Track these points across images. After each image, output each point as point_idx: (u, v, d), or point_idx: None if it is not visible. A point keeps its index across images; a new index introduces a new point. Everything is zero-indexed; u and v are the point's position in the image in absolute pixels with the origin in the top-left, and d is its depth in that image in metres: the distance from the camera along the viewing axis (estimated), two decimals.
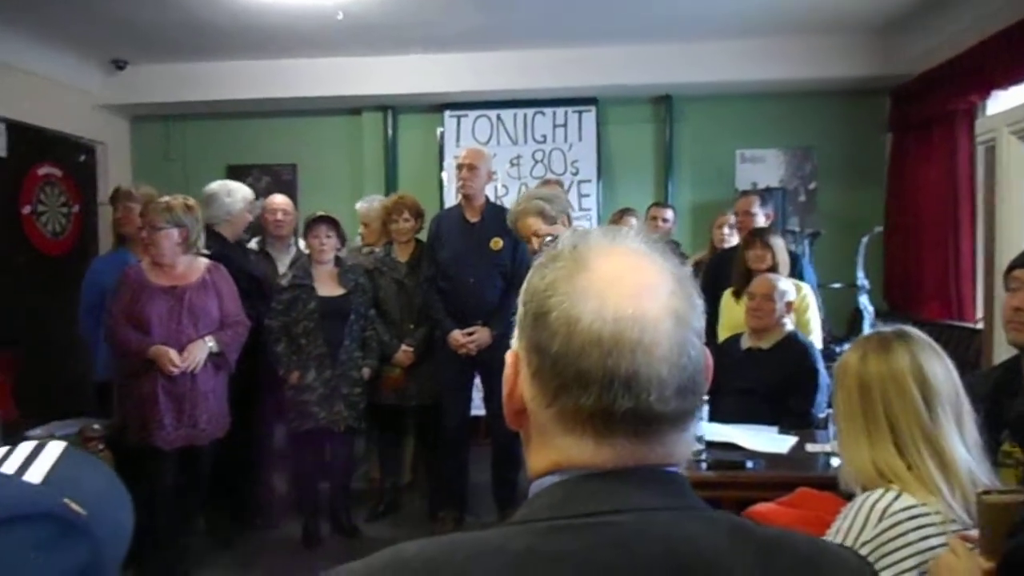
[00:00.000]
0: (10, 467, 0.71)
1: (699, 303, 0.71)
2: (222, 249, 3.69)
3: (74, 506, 0.63)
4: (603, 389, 0.65)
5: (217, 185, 3.93)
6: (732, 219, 4.40)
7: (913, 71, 4.80)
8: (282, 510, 4.00)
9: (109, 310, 3.12)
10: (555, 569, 0.62)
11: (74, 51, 5.05)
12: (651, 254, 0.70)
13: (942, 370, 1.51)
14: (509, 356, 0.73)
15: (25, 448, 0.74)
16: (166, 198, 3.23)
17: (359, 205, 4.47)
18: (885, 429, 1.48)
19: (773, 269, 3.45)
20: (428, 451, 4.24)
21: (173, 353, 3.09)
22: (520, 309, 0.71)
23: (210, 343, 3.19)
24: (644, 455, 0.67)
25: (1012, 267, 1.99)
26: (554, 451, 0.69)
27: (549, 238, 2.99)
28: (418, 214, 4.06)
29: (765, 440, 2.72)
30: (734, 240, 4.38)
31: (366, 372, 3.82)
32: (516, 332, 0.72)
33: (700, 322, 0.70)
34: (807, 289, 3.70)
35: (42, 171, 5.15)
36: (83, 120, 5.45)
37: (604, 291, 0.66)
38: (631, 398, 0.65)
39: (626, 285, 0.66)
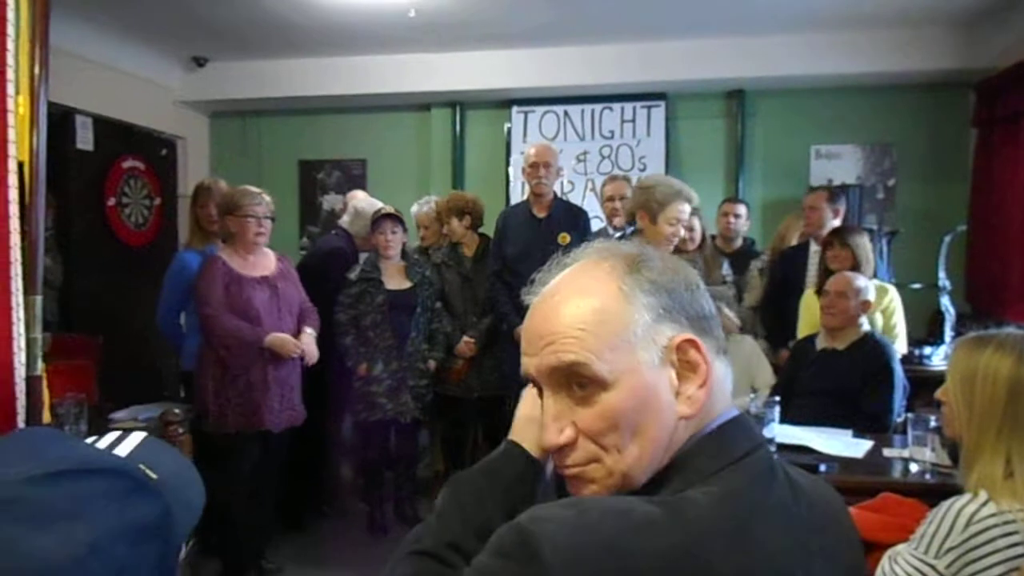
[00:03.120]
0: (100, 445, 0.77)
1: None
2: (349, 254, 4.01)
3: (148, 471, 0.69)
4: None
5: (364, 202, 4.17)
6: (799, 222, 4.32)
7: (999, 64, 4.59)
8: (350, 498, 4.09)
9: (206, 301, 3.16)
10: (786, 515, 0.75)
11: (157, 49, 5.26)
12: None
13: None
14: (692, 349, 0.78)
15: (113, 435, 0.80)
16: (256, 190, 3.34)
17: (414, 209, 4.48)
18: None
19: (855, 268, 3.34)
20: (493, 443, 4.27)
21: (294, 341, 3.25)
22: (658, 301, 0.77)
23: (310, 331, 3.35)
24: None
25: None
26: (725, 392, 0.81)
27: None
28: (464, 212, 4.08)
29: (839, 444, 2.65)
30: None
31: (432, 364, 3.87)
32: (665, 329, 0.77)
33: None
34: (893, 292, 3.58)
35: (126, 164, 5.37)
36: (165, 115, 5.67)
37: (689, 268, 0.85)
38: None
39: None
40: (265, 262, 3.33)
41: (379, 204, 4.13)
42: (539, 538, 0.64)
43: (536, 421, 0.88)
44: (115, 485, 0.63)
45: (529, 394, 0.93)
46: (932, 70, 4.89)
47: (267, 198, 3.32)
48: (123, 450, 0.77)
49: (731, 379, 0.83)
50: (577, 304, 0.77)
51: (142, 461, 0.73)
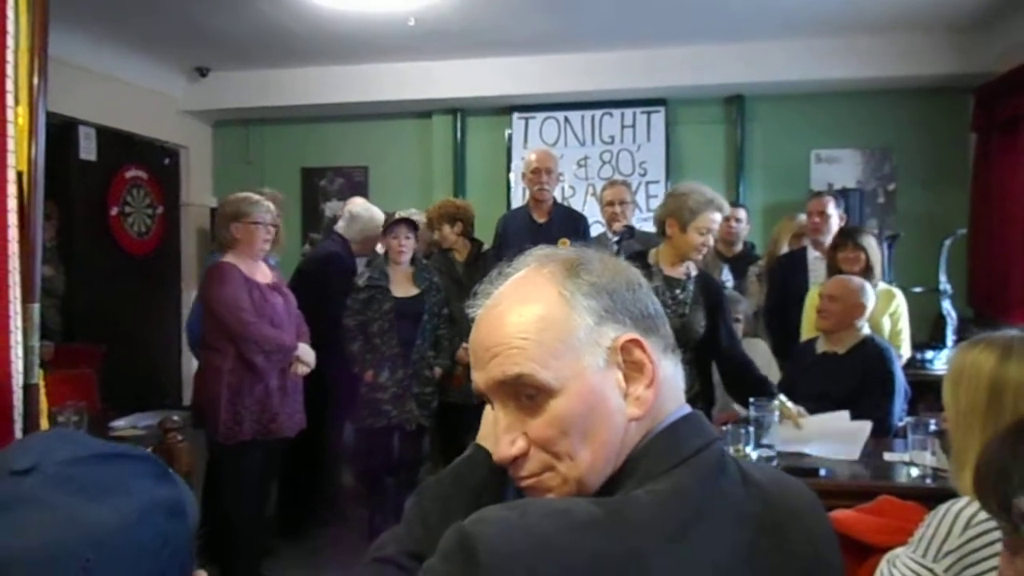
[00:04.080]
0: None
1: None
2: (346, 260, 3.97)
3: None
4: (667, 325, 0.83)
5: (361, 208, 4.13)
6: (802, 221, 4.30)
7: (998, 69, 4.60)
8: (351, 504, 4.09)
9: (241, 307, 3.09)
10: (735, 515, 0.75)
11: (160, 59, 5.30)
12: None
13: None
14: (637, 348, 0.77)
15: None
16: (259, 197, 3.32)
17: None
18: None
19: (867, 271, 3.33)
20: None
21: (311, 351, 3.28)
22: (599, 303, 0.77)
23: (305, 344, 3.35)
24: None
25: None
26: (676, 390, 0.81)
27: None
28: (455, 219, 4.09)
29: (836, 432, 2.64)
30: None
31: (437, 371, 3.87)
32: (609, 331, 0.77)
33: None
34: (900, 296, 3.56)
35: (129, 174, 5.41)
36: (168, 125, 5.70)
37: (630, 267, 0.85)
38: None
39: None
40: (264, 270, 3.31)
41: (376, 209, 4.13)
42: (477, 539, 0.65)
43: None
44: (149, 467, 0.70)
45: None
46: (931, 75, 4.90)
47: (271, 205, 3.31)
48: None
49: (682, 376, 0.82)
50: (519, 313, 0.77)
51: None
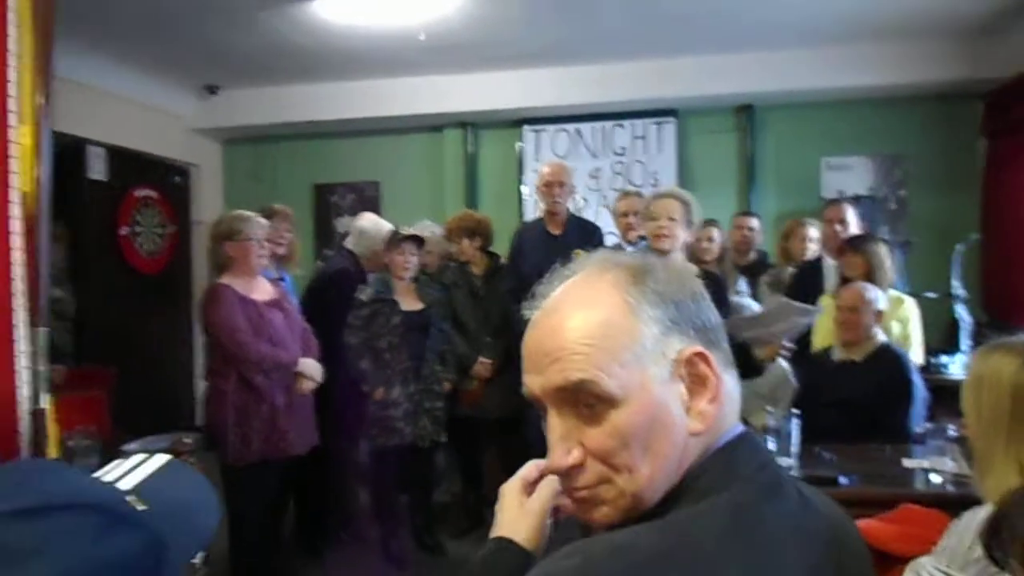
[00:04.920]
0: (112, 475, 0.76)
1: None
2: (355, 275, 3.93)
3: (135, 504, 0.67)
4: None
5: (369, 222, 4.13)
6: (810, 230, 4.26)
7: (1007, 75, 4.58)
8: (367, 523, 4.05)
9: (236, 328, 3.07)
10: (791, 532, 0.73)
11: (169, 78, 5.33)
12: None
13: None
14: (702, 362, 0.75)
15: (134, 459, 0.80)
16: (251, 214, 3.32)
17: None
18: None
19: (869, 276, 3.31)
20: (510, 465, 4.23)
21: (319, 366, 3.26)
22: (666, 313, 0.75)
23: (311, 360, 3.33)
24: None
25: None
26: (734, 406, 0.79)
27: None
28: (474, 233, 4.08)
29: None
30: (813, 249, 4.23)
31: (447, 385, 3.85)
32: (675, 342, 0.75)
33: None
34: (910, 301, 3.53)
35: (139, 193, 5.44)
36: (178, 144, 5.74)
37: (694, 277, 0.84)
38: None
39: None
40: (265, 286, 3.29)
41: (385, 224, 4.12)
42: None
43: (528, 514, 0.88)
44: (87, 521, 0.62)
45: (511, 489, 0.92)
46: (941, 81, 4.88)
47: (264, 221, 3.30)
48: (134, 478, 0.77)
49: (739, 393, 0.80)
50: (583, 318, 0.74)
51: (143, 490, 0.73)
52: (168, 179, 5.76)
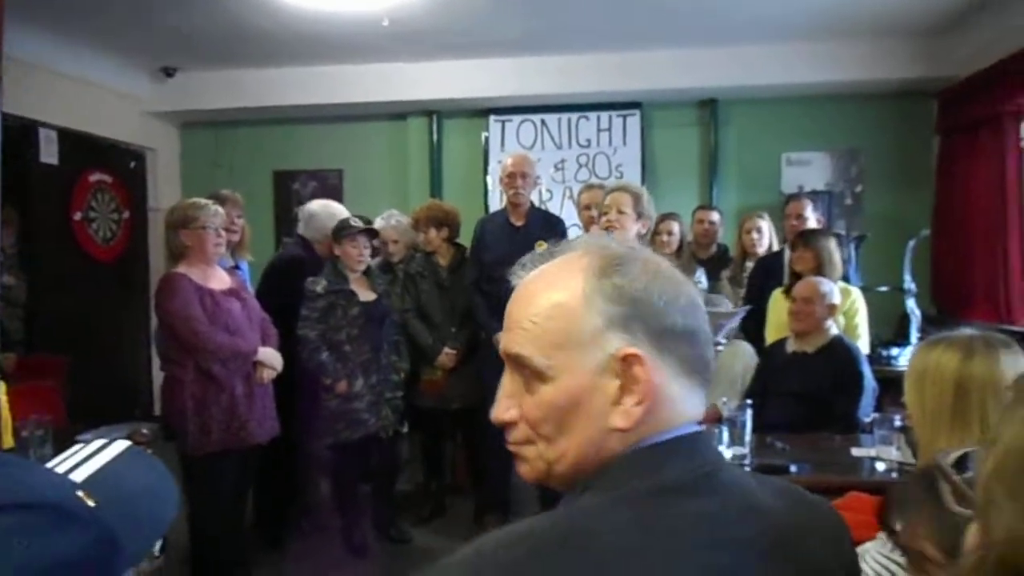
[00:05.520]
0: (66, 464, 0.75)
1: None
2: (308, 263, 3.85)
3: (85, 499, 0.66)
4: (706, 344, 0.80)
5: (318, 205, 4.07)
6: (760, 223, 4.37)
7: (960, 73, 4.72)
8: (329, 513, 4.04)
9: (193, 317, 3.03)
10: (696, 528, 0.72)
11: (125, 59, 5.20)
12: None
13: None
14: (636, 364, 0.76)
15: (91, 447, 0.79)
16: (207, 202, 3.26)
17: (378, 223, 4.26)
18: (976, 430, 1.47)
19: (819, 270, 3.39)
20: (474, 454, 4.25)
21: (278, 355, 3.23)
22: (617, 309, 0.76)
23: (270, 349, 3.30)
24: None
25: None
26: (672, 413, 0.78)
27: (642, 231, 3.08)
28: (442, 224, 4.08)
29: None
30: (764, 244, 4.34)
31: (402, 374, 3.86)
32: (614, 339, 0.76)
33: None
34: (857, 294, 3.64)
35: (93, 178, 5.30)
36: (133, 127, 5.60)
37: (678, 278, 0.82)
38: (710, 350, 0.81)
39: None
40: (221, 275, 3.24)
41: (336, 208, 4.04)
42: None
43: None
44: (27, 520, 0.60)
45: None
46: (897, 79, 5.00)
47: (220, 209, 3.25)
48: (88, 468, 0.76)
49: (699, 400, 0.81)
50: (543, 296, 0.79)
51: (96, 482, 0.72)
52: (123, 163, 5.62)
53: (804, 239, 3.59)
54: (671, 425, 0.78)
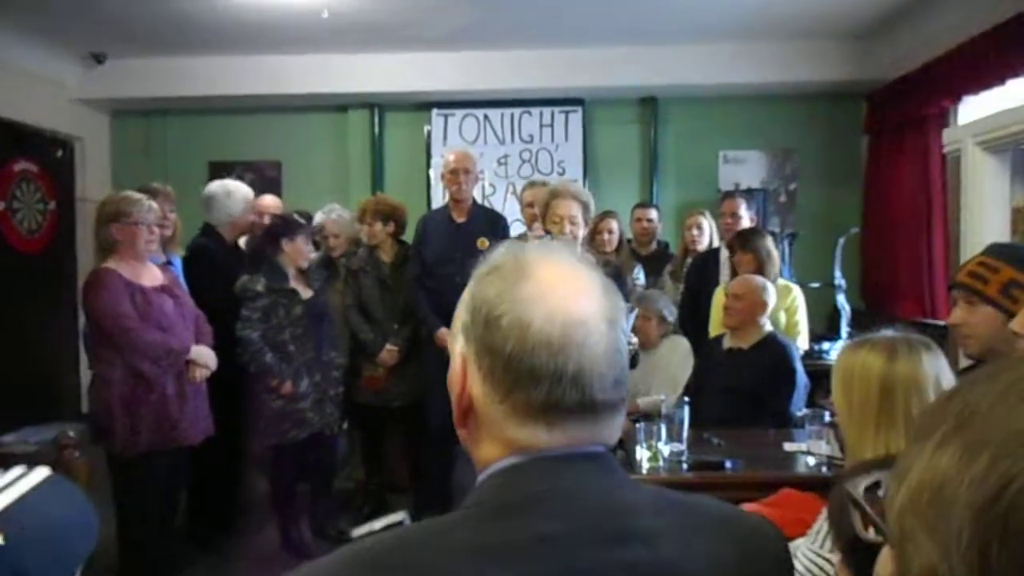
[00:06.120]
0: None
1: (623, 306, 0.81)
2: (217, 252, 3.73)
3: None
4: (553, 384, 0.73)
5: (217, 186, 3.91)
6: (701, 220, 4.47)
7: (888, 76, 4.90)
8: (265, 513, 3.97)
9: (122, 314, 2.94)
10: (504, 555, 0.69)
11: (52, 44, 4.98)
12: (581, 265, 0.80)
13: (952, 383, 1.55)
14: (457, 359, 0.79)
15: (11, 475, 0.77)
16: (140, 196, 3.15)
17: (318, 217, 4.22)
18: (901, 428, 1.53)
19: (760, 270, 3.48)
20: (414, 451, 4.23)
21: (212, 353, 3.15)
22: (465, 316, 0.78)
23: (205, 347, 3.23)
24: (588, 437, 0.76)
25: (949, 287, 2.05)
26: (506, 442, 0.76)
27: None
28: (388, 218, 4.05)
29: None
30: (704, 240, 4.44)
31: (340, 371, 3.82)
32: (461, 337, 0.79)
33: (626, 323, 0.82)
34: (797, 291, 3.74)
35: (18, 167, 5.09)
36: (60, 114, 5.38)
37: (548, 297, 0.74)
38: (578, 392, 0.74)
39: (568, 291, 0.76)
40: (154, 271, 3.17)
41: (236, 185, 3.90)
42: None
43: None
44: None
45: None
46: (829, 80, 5.16)
47: (155, 204, 3.17)
48: (3, 500, 0.74)
49: (539, 436, 0.75)
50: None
51: (9, 517, 0.71)
52: (50, 152, 5.40)
53: (742, 241, 3.66)
54: (506, 453, 0.76)
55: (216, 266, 3.69)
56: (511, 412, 0.74)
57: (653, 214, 4.75)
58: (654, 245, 4.75)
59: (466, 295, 0.79)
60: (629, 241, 4.61)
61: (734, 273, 3.63)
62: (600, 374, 0.74)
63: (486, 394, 0.76)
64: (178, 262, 3.78)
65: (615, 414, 0.78)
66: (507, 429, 0.75)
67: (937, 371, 1.56)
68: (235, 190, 3.87)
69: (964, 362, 2.27)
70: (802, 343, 3.71)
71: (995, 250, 1.89)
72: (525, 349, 0.72)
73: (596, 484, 0.75)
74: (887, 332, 1.65)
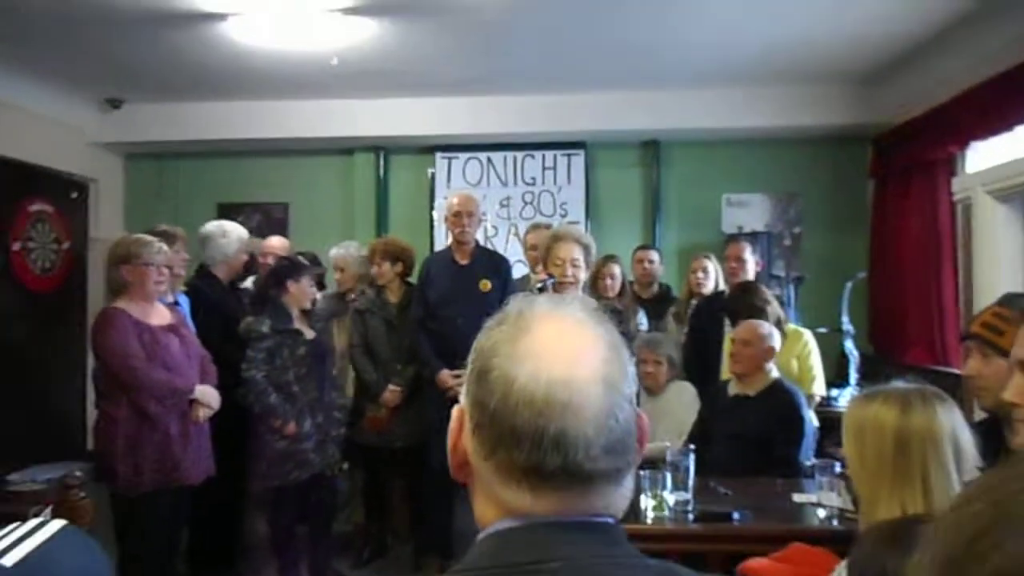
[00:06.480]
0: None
1: (631, 370, 0.76)
2: (212, 292, 3.74)
3: None
4: (533, 446, 0.69)
5: (213, 226, 3.98)
6: (706, 263, 4.46)
7: (894, 120, 4.91)
8: (263, 555, 3.94)
9: (129, 353, 2.98)
10: None
11: (69, 89, 5.09)
12: (589, 322, 0.76)
13: (967, 436, 1.54)
14: (456, 410, 0.77)
15: (24, 527, 0.78)
16: (151, 239, 3.22)
17: (333, 252, 4.41)
18: (918, 483, 1.49)
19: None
20: (415, 495, 4.20)
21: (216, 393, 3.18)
22: (470, 366, 0.76)
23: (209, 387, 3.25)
24: (580, 507, 0.71)
25: (963, 337, 2.03)
26: (497, 502, 0.73)
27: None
28: (397, 259, 4.10)
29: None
30: (709, 284, 4.43)
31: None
32: (464, 388, 0.77)
33: (630, 388, 0.75)
34: (808, 335, 3.70)
35: (33, 207, 5.16)
36: (76, 157, 5.47)
37: (540, 354, 0.71)
38: (559, 455, 0.69)
39: (562, 350, 0.72)
40: (162, 311, 3.21)
41: (232, 226, 3.99)
42: None
43: None
44: None
45: None
46: (834, 124, 5.19)
47: (164, 246, 3.22)
48: (20, 551, 0.75)
49: (524, 501, 0.73)
50: None
51: (26, 566, 0.72)
52: (65, 194, 5.48)
53: (747, 299, 3.60)
54: (500, 516, 0.74)
55: (211, 307, 3.73)
56: (495, 471, 0.72)
57: (654, 256, 4.77)
58: (655, 288, 4.76)
59: (475, 344, 0.78)
60: (631, 283, 4.61)
61: (734, 321, 3.60)
62: (586, 439, 0.69)
63: (475, 450, 0.74)
64: (184, 301, 3.83)
65: (611, 483, 0.73)
66: (495, 487, 0.72)
67: (953, 424, 1.52)
68: (231, 230, 3.94)
69: (979, 414, 2.23)
70: (818, 389, 3.65)
71: (1009, 300, 1.87)
72: (508, 406, 0.70)
73: (591, 558, 0.70)
74: (899, 384, 1.61)
